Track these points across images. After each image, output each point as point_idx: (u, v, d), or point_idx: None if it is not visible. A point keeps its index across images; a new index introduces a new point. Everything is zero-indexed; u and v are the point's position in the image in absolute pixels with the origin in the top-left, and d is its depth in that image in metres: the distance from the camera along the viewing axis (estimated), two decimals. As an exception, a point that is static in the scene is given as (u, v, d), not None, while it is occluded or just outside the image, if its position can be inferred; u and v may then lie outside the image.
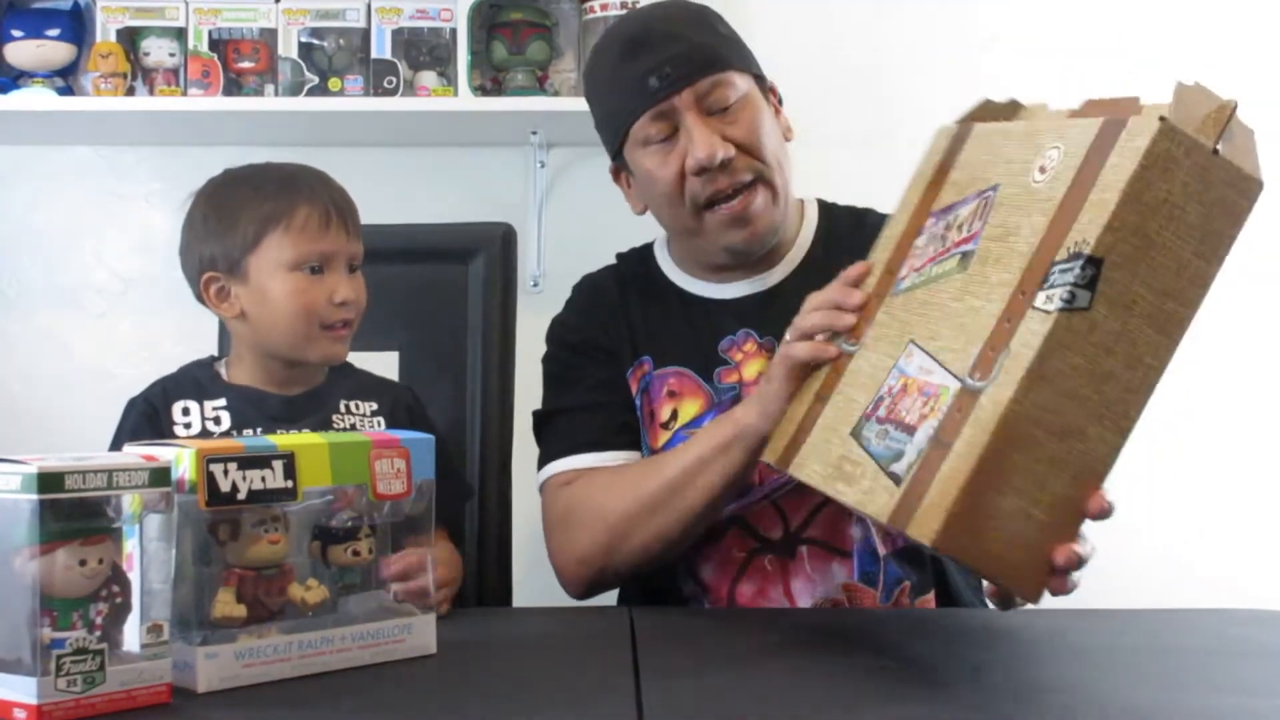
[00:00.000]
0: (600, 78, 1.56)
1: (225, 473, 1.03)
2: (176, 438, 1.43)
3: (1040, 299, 1.04)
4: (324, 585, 1.09)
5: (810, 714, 0.99)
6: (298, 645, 1.06)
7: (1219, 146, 1.04)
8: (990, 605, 1.29)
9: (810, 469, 1.22)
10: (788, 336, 1.32)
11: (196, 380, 1.50)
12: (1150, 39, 2.54)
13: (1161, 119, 1.02)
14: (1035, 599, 1.05)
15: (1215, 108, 1.06)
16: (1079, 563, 1.05)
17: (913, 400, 1.11)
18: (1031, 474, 1.02)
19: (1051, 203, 1.08)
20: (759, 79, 1.55)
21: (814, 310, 1.30)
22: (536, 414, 1.62)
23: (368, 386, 1.54)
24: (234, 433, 1.44)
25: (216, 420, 1.47)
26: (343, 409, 1.49)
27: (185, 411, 1.47)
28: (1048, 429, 1.02)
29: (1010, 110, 1.29)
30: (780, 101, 1.61)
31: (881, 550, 1.48)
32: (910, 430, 1.09)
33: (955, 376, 1.08)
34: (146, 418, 1.47)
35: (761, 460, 1.32)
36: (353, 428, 1.46)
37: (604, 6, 2.38)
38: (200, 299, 1.50)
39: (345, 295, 1.44)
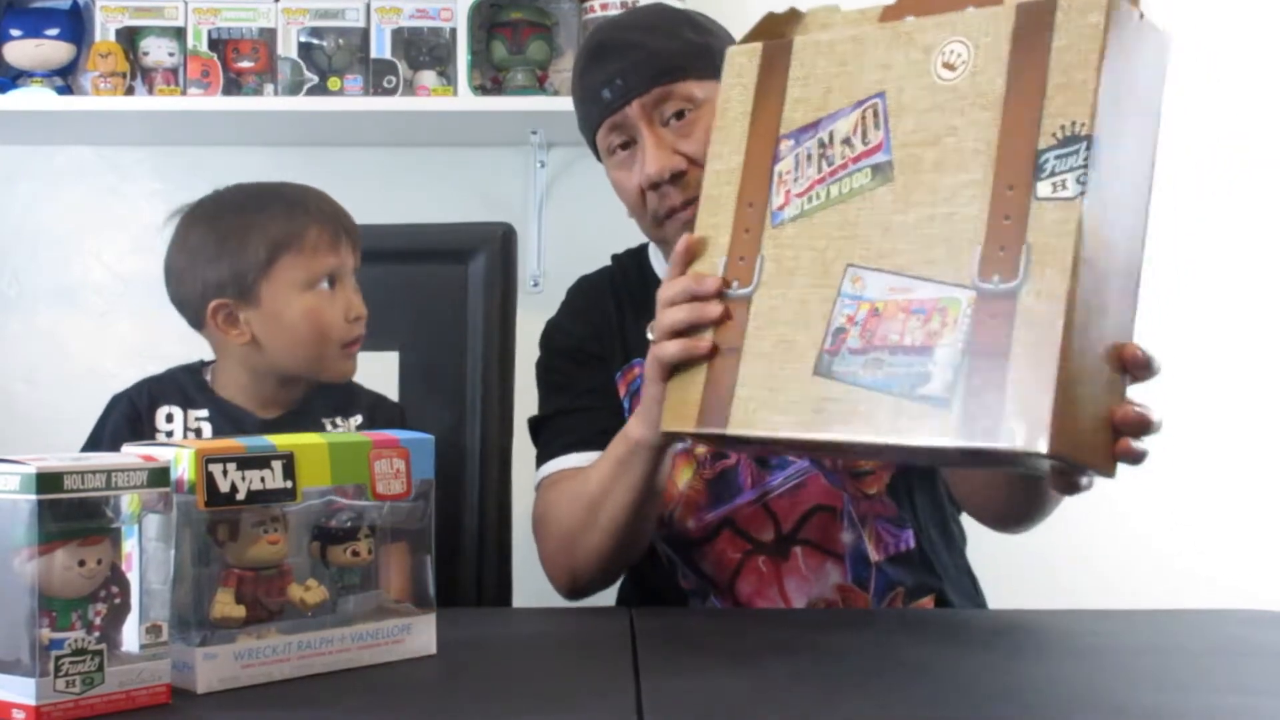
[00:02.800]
0: (573, 86, 1.57)
1: (224, 473, 1.03)
2: (154, 442, 1.43)
3: (1044, 189, 1.03)
4: (323, 585, 1.09)
5: (810, 714, 0.99)
6: (297, 645, 1.06)
7: (1141, 11, 1.06)
8: (1053, 493, 1.28)
9: (767, 420, 1.15)
10: (652, 336, 1.26)
11: (182, 387, 1.50)
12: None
13: None
14: (1112, 472, 1.05)
15: None
16: (1146, 425, 1.05)
17: (899, 321, 1.08)
18: (1089, 356, 1.02)
19: (989, 97, 1.07)
20: None
21: (672, 306, 1.23)
22: (532, 420, 1.62)
23: (350, 399, 1.54)
24: None
25: (198, 432, 1.48)
26: (327, 427, 1.50)
27: (169, 418, 1.48)
28: (1089, 309, 1.02)
29: (793, 17, 1.26)
30: None
31: (874, 556, 1.48)
32: (920, 350, 1.06)
33: (959, 286, 1.05)
34: (128, 419, 1.47)
35: (664, 430, 1.24)
36: None
37: (604, 6, 2.38)
38: (196, 324, 1.49)
39: (360, 310, 1.46)
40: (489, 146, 2.54)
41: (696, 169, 1.46)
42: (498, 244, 1.76)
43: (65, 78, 2.45)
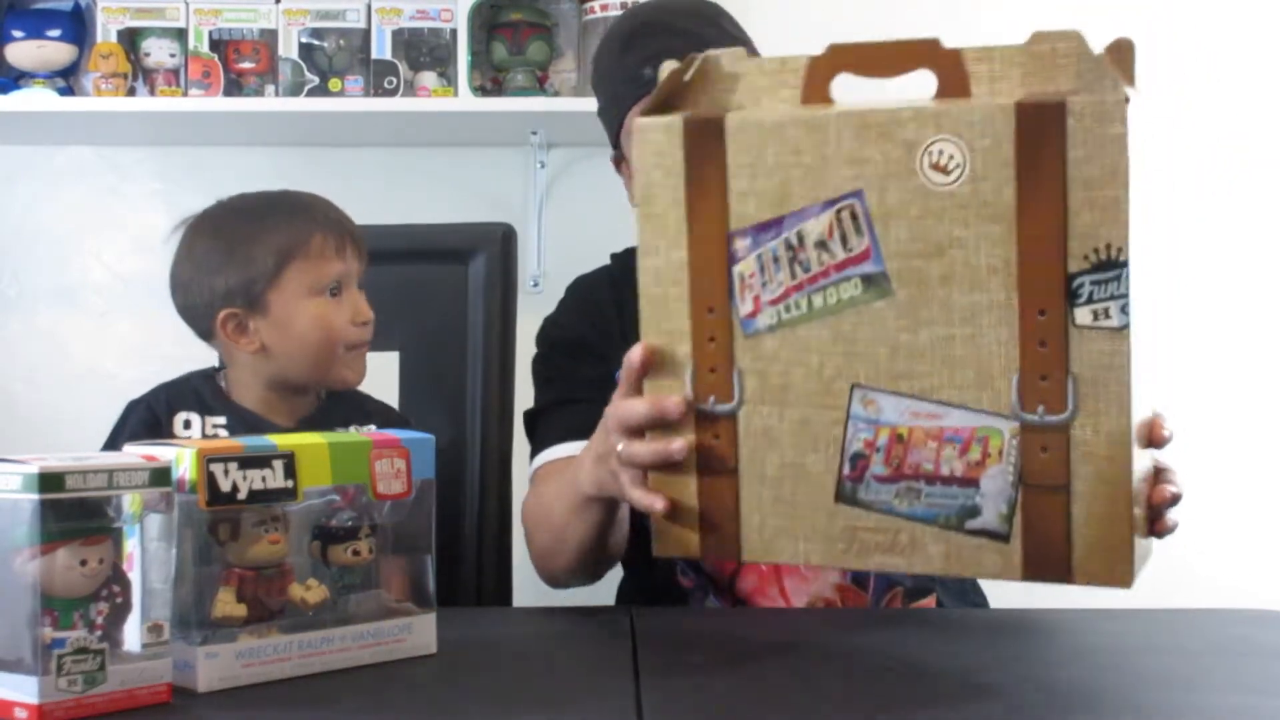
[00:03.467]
0: (602, 67, 1.58)
1: (225, 472, 1.03)
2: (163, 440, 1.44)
3: (1083, 316, 1.00)
4: (324, 585, 1.09)
5: (810, 714, 0.99)
6: (298, 645, 1.06)
7: (1132, 94, 1.02)
8: None
9: (792, 549, 1.11)
10: (614, 428, 1.18)
11: (200, 394, 1.50)
12: (1152, 38, 2.53)
13: (1126, 100, 0.99)
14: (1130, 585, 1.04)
15: (1120, 49, 1.06)
16: (1178, 500, 1.08)
17: (930, 450, 1.05)
18: (1137, 474, 1.03)
19: (997, 208, 1.01)
20: None
21: (629, 432, 1.16)
22: (527, 414, 1.63)
23: (362, 409, 1.55)
24: None
25: (215, 438, 1.47)
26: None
27: (187, 424, 1.49)
28: (1136, 427, 1.02)
29: (690, 65, 1.14)
30: None
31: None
32: (964, 482, 1.04)
33: (998, 415, 1.03)
34: (147, 425, 1.48)
35: (658, 556, 1.18)
36: None
37: (604, 7, 2.38)
38: (205, 335, 1.50)
39: (367, 314, 1.47)
40: (489, 147, 2.54)
41: None
42: (498, 244, 1.76)
43: (67, 79, 2.45)
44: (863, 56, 1.11)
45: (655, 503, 1.15)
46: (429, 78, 2.42)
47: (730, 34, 1.54)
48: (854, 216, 1.06)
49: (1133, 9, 2.55)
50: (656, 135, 1.12)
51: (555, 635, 1.28)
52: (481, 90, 2.43)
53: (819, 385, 1.09)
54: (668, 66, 1.15)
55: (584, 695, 1.03)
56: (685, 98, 1.14)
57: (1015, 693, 1.03)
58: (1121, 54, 1.05)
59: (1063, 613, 1.34)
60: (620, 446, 1.17)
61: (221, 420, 1.49)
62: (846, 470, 1.09)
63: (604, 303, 1.62)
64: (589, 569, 1.50)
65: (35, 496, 0.92)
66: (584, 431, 1.53)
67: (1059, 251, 1.00)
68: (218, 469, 1.02)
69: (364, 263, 1.50)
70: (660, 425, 1.13)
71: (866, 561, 1.09)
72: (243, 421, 1.48)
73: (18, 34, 2.41)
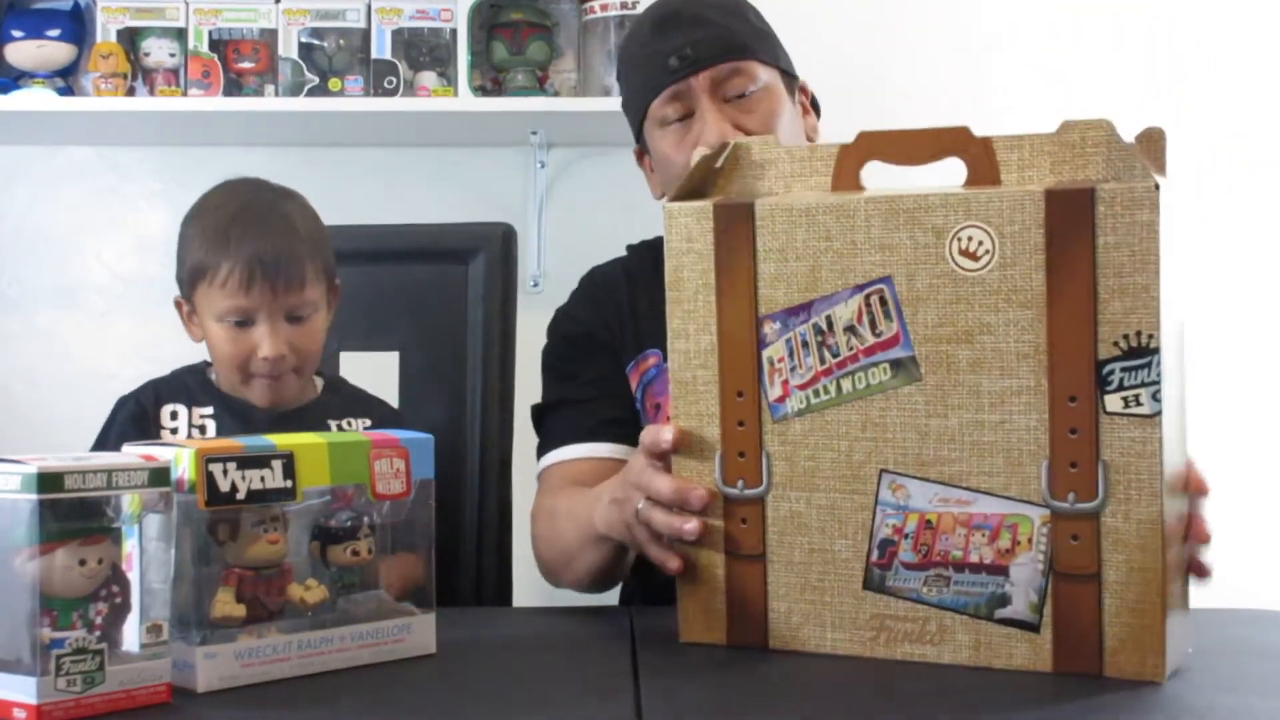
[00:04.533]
0: (628, 55, 1.58)
1: (225, 472, 1.03)
2: (158, 441, 1.44)
3: (1113, 403, 1.00)
4: (323, 585, 1.09)
5: (810, 714, 0.99)
6: (297, 645, 1.06)
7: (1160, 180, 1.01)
8: None
9: (819, 637, 1.10)
10: (635, 489, 1.19)
11: (187, 385, 1.51)
12: (1151, 38, 2.54)
13: (1156, 187, 0.99)
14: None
15: (1152, 138, 1.04)
16: (1209, 539, 1.09)
17: (959, 537, 1.05)
18: (1173, 559, 1.03)
19: (1027, 294, 1.02)
20: (788, 75, 1.55)
21: (655, 510, 1.16)
22: (535, 407, 1.62)
23: (360, 403, 1.55)
24: None
25: (202, 428, 1.48)
26: (334, 429, 1.50)
27: (174, 415, 1.49)
28: (1170, 515, 1.02)
29: (722, 152, 1.16)
30: (815, 103, 1.61)
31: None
32: (993, 570, 1.04)
33: (1027, 503, 1.03)
34: (135, 418, 1.48)
35: (685, 641, 1.17)
36: None
37: (604, 7, 2.38)
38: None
39: (268, 351, 1.43)
40: (489, 147, 2.54)
41: None
42: (498, 244, 1.76)
43: (66, 78, 2.45)
44: (893, 144, 1.10)
45: (670, 561, 1.16)
46: (429, 78, 2.42)
47: (757, 28, 1.54)
48: (883, 301, 1.07)
49: (1133, 9, 2.55)
50: (687, 219, 1.13)
51: (555, 635, 1.28)
52: (481, 90, 2.43)
53: (847, 470, 1.09)
54: (699, 153, 1.17)
55: (584, 695, 1.03)
56: (715, 183, 1.16)
57: (1015, 692, 1.03)
58: (1152, 143, 1.04)
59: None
60: (640, 505, 1.17)
61: (209, 410, 1.50)
62: (875, 557, 1.08)
63: (617, 295, 1.61)
64: (596, 588, 1.51)
65: (34, 496, 0.92)
66: (592, 433, 1.53)
67: (1090, 338, 1.00)
68: (217, 469, 1.02)
69: (295, 294, 1.44)
70: (680, 506, 1.14)
71: (895, 651, 1.08)
72: (229, 409, 1.48)
73: (17, 34, 2.41)
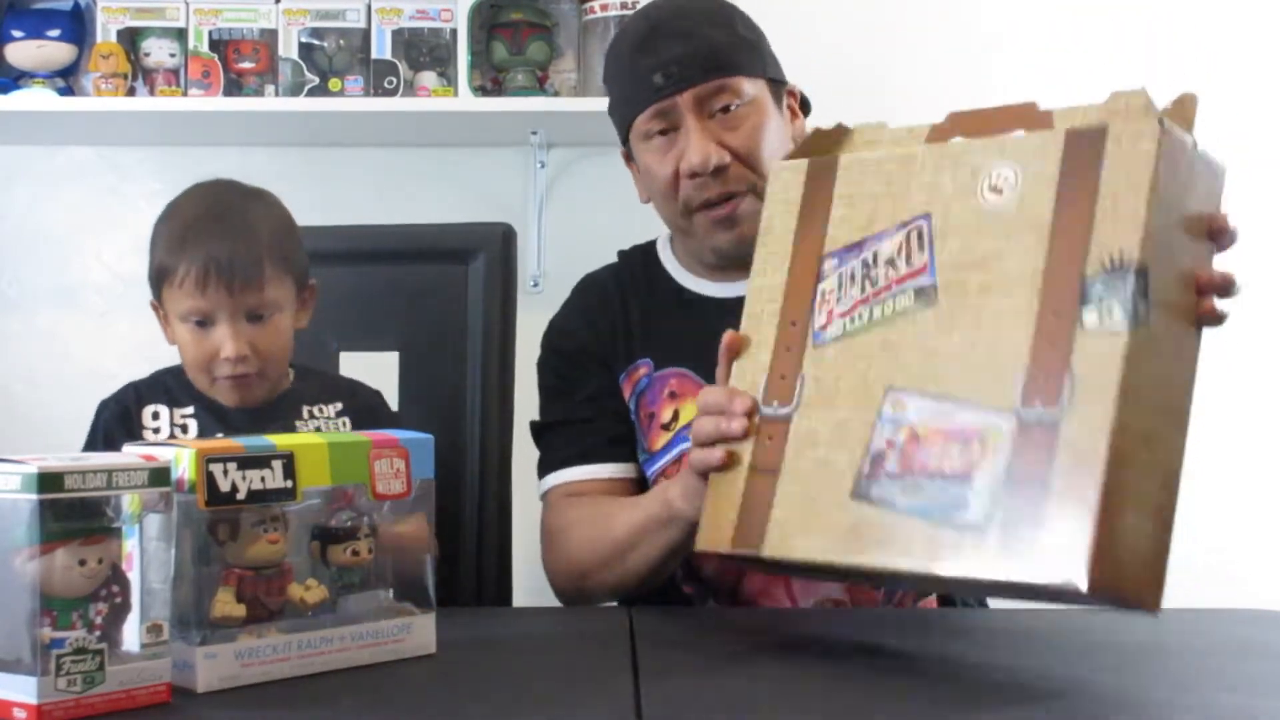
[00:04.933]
0: (613, 66, 1.57)
1: (225, 472, 1.03)
2: (145, 441, 1.45)
3: (1090, 318, 1.01)
4: (323, 585, 1.09)
5: (810, 714, 0.99)
6: (297, 645, 1.06)
7: (1195, 139, 1.06)
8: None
9: (802, 545, 1.13)
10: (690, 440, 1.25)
11: (168, 386, 1.52)
12: (1151, 38, 2.54)
13: (1161, 121, 1.03)
14: (1157, 609, 1.02)
15: (1183, 102, 1.09)
16: (1230, 285, 1.10)
17: (939, 448, 1.06)
18: (1137, 488, 1.01)
19: (1036, 221, 1.06)
20: (775, 83, 1.54)
21: (705, 416, 1.22)
22: (534, 424, 1.62)
23: (331, 388, 1.55)
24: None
25: (184, 428, 1.49)
26: (305, 415, 1.51)
27: (155, 416, 1.50)
28: (1138, 438, 1.01)
29: (840, 134, 1.27)
30: (804, 104, 1.61)
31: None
32: (959, 477, 1.04)
33: (1000, 412, 1.04)
34: (118, 419, 1.50)
35: (698, 550, 1.21)
36: (318, 430, 1.48)
37: (604, 7, 2.38)
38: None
39: (229, 352, 1.43)
40: (489, 147, 2.54)
41: (739, 164, 1.48)
42: (498, 244, 1.76)
43: (67, 78, 2.46)
44: (975, 120, 1.18)
45: (713, 454, 1.19)
46: (429, 78, 2.42)
47: (744, 37, 1.52)
48: (920, 236, 1.13)
49: (1132, 9, 2.55)
50: (786, 174, 1.25)
51: (555, 635, 1.28)
52: (481, 90, 2.43)
53: (861, 388, 1.13)
54: (812, 128, 1.28)
55: (584, 695, 1.03)
56: (828, 154, 1.25)
57: (1015, 692, 1.03)
58: (1184, 106, 1.10)
59: (1063, 613, 1.34)
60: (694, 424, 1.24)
61: (189, 410, 1.50)
62: (866, 469, 1.10)
63: (610, 305, 1.61)
64: (633, 590, 1.47)
65: (34, 496, 0.92)
66: (590, 456, 1.54)
67: (1080, 259, 1.03)
68: (217, 469, 1.02)
69: (254, 293, 1.44)
70: (724, 414, 1.20)
71: (859, 557, 1.09)
72: (207, 409, 1.49)
73: (18, 34, 2.41)
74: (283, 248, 1.48)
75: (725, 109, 1.48)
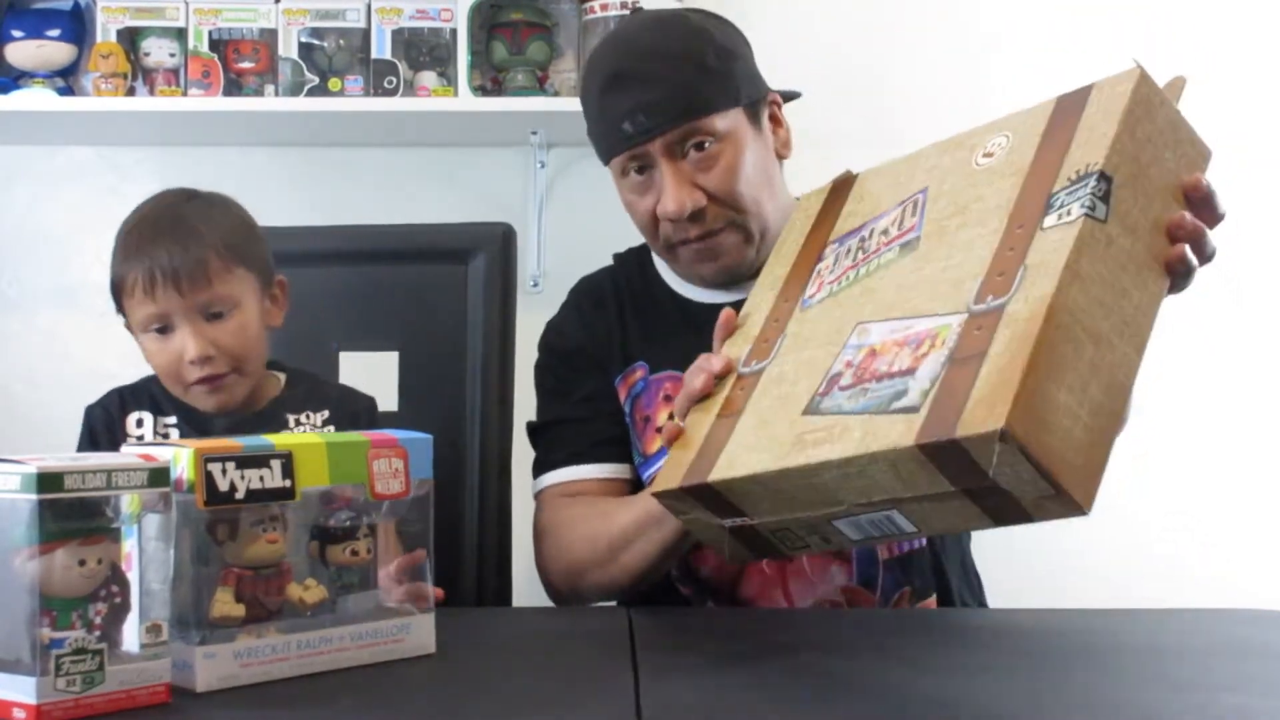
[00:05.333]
0: (585, 101, 1.55)
1: (224, 472, 1.03)
2: (135, 445, 1.45)
3: (1050, 219, 1.04)
4: (322, 585, 1.09)
5: (809, 714, 0.99)
6: (296, 645, 1.06)
7: (1180, 113, 1.12)
8: None
9: (746, 461, 1.12)
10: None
11: (152, 394, 1.52)
12: (1151, 38, 2.54)
13: (1140, 69, 1.10)
14: (1088, 507, 0.97)
15: (1172, 84, 1.14)
16: (1200, 234, 1.07)
17: (893, 355, 1.07)
18: (1076, 372, 0.98)
19: (1015, 166, 1.13)
20: (751, 105, 1.50)
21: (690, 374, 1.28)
22: (530, 425, 1.62)
23: (320, 395, 1.54)
24: None
25: (166, 436, 1.49)
26: (291, 423, 1.50)
27: (139, 423, 1.50)
28: (1085, 329, 0.99)
29: (849, 179, 1.36)
30: (789, 95, 1.60)
31: (883, 555, 1.48)
32: (905, 373, 1.04)
33: (955, 314, 1.05)
34: (105, 424, 1.50)
35: (651, 493, 1.21)
36: None
37: (604, 6, 2.38)
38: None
39: (192, 354, 1.43)
40: (489, 147, 2.54)
41: (715, 204, 1.46)
42: (498, 244, 1.76)
43: (66, 78, 2.46)
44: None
45: (695, 380, 1.25)
46: (429, 77, 2.42)
47: (714, 69, 1.46)
48: (915, 205, 1.21)
49: (1132, 9, 2.55)
50: (810, 200, 1.38)
51: (555, 635, 1.28)
52: (481, 90, 2.43)
53: (833, 330, 1.17)
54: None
55: (584, 695, 1.03)
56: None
57: (1015, 692, 1.03)
58: (1172, 87, 1.15)
59: (1063, 613, 1.34)
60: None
61: (172, 419, 1.50)
62: (821, 389, 1.11)
63: (606, 308, 1.61)
64: (628, 589, 1.47)
65: (34, 496, 0.92)
66: (585, 456, 1.54)
67: (1050, 181, 1.08)
68: (215, 469, 1.02)
69: (202, 290, 1.43)
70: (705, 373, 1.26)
71: (799, 456, 1.06)
72: (190, 419, 1.49)
73: (17, 34, 2.41)
74: (231, 244, 1.47)
75: (700, 146, 1.45)
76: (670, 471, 1.20)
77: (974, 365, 0.99)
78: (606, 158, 1.52)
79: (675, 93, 1.44)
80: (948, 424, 0.96)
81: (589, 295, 1.64)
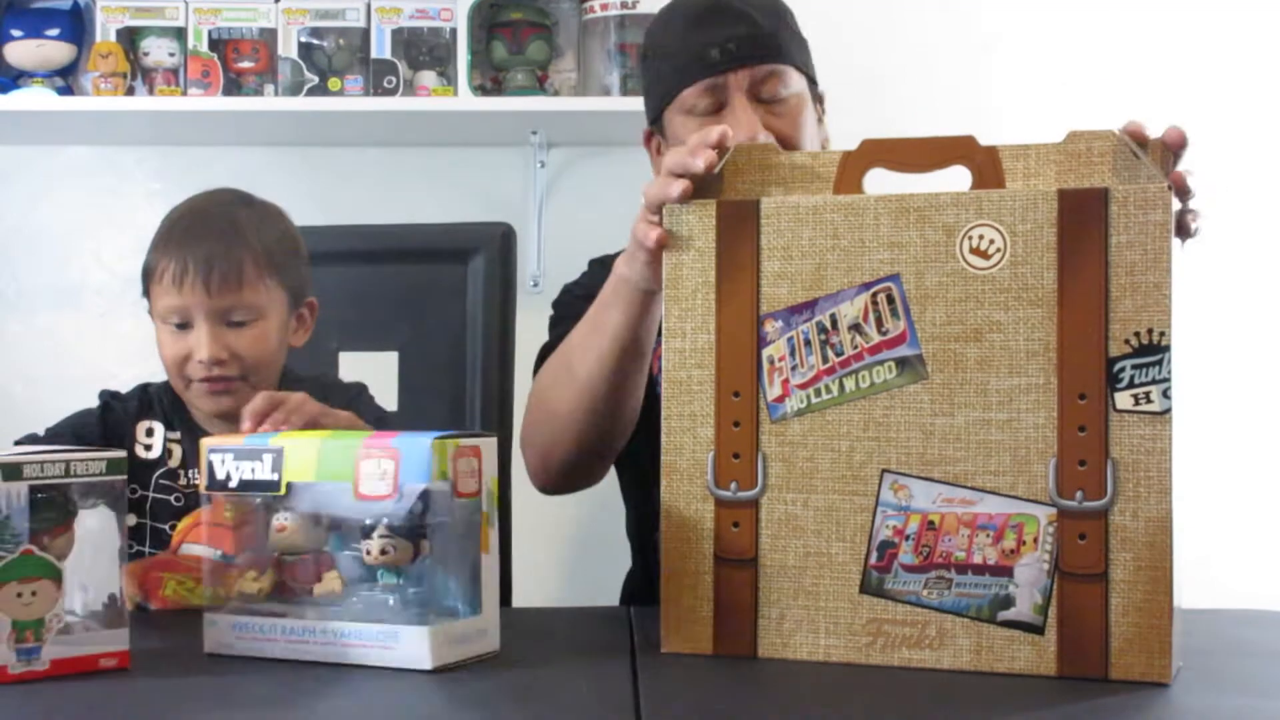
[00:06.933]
0: (662, 37, 1.56)
1: (223, 461, 1.12)
2: (136, 456, 1.49)
3: (1124, 400, 1.00)
4: (341, 578, 1.11)
5: (810, 714, 0.99)
6: (283, 629, 1.10)
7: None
8: None
9: (811, 643, 1.08)
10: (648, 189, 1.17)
11: (164, 406, 1.53)
12: (1151, 38, 2.54)
13: (1170, 189, 1.01)
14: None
15: (1159, 145, 1.05)
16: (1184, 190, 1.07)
17: (962, 537, 1.03)
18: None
19: (1038, 292, 1.03)
20: (814, 85, 1.57)
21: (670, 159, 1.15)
22: (542, 348, 1.57)
23: (319, 396, 1.54)
24: (183, 470, 1.51)
25: (169, 453, 1.51)
26: None
27: (149, 433, 1.51)
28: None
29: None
30: (823, 112, 1.61)
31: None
32: (997, 571, 1.02)
33: (1033, 502, 1.02)
34: (104, 421, 1.52)
35: (665, 651, 1.13)
36: None
37: (604, 6, 2.38)
38: None
39: (203, 354, 1.43)
40: (489, 146, 2.54)
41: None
42: (498, 244, 1.76)
43: (66, 78, 2.45)
44: (897, 151, 1.09)
45: (651, 232, 1.14)
46: (429, 77, 2.42)
47: (795, 33, 1.55)
48: (890, 299, 1.06)
49: (1132, 9, 2.55)
50: (689, 217, 1.12)
51: (555, 635, 1.28)
52: (481, 90, 2.43)
53: (848, 471, 1.07)
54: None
55: (584, 695, 1.03)
56: (715, 186, 1.14)
57: (1015, 692, 1.03)
58: (1162, 150, 1.06)
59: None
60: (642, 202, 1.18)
61: (176, 435, 1.52)
62: (874, 559, 1.06)
63: None
64: (591, 419, 1.40)
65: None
66: None
67: (1100, 335, 1.01)
68: (216, 458, 1.12)
69: (231, 294, 1.44)
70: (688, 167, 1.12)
71: (892, 657, 1.06)
72: (191, 437, 1.49)
73: (17, 33, 2.41)
74: (272, 255, 1.47)
75: (773, 96, 1.49)
76: (685, 628, 1.11)
77: (1098, 589, 1.01)
78: (680, 87, 1.50)
79: (767, 35, 1.50)
80: (1092, 661, 1.01)
81: (608, 265, 1.63)
